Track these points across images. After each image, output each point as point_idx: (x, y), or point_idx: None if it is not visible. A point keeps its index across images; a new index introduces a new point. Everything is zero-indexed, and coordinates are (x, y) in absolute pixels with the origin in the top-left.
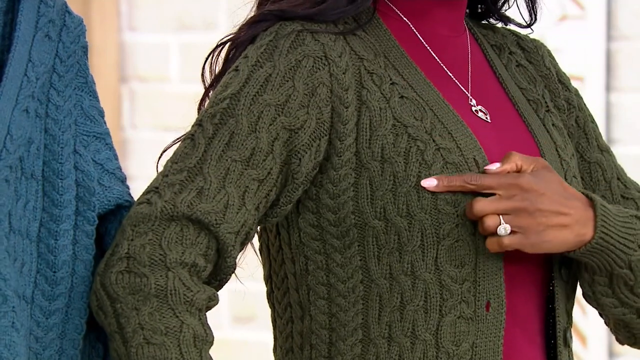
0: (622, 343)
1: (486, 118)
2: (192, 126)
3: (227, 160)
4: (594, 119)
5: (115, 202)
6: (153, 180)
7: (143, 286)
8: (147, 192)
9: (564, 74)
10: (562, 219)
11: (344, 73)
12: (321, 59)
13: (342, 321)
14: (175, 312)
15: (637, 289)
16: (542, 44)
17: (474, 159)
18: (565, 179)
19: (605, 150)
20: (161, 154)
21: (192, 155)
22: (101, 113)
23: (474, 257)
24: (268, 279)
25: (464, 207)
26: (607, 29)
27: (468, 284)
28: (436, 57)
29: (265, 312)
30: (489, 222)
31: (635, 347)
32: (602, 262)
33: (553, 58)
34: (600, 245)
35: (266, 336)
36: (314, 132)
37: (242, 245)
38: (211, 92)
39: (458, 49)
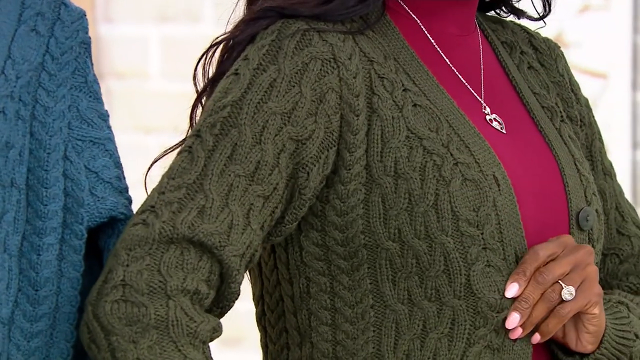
0: None
1: (501, 128)
2: (189, 137)
3: (229, 175)
4: (601, 136)
5: (107, 215)
6: (147, 198)
7: (141, 316)
8: (142, 211)
9: (576, 82)
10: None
11: (354, 77)
12: (330, 61)
13: (350, 350)
14: (177, 345)
15: None
16: (555, 44)
17: (494, 175)
18: (585, 197)
19: (608, 174)
20: (150, 166)
21: (190, 170)
22: (103, 116)
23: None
24: (259, 299)
25: (491, 230)
26: (633, 21)
27: (506, 311)
28: (447, 60)
29: (254, 333)
30: (554, 291)
31: None
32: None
33: (566, 62)
34: (604, 352)
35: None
36: (322, 142)
37: (246, 268)
38: (205, 97)
39: (469, 49)
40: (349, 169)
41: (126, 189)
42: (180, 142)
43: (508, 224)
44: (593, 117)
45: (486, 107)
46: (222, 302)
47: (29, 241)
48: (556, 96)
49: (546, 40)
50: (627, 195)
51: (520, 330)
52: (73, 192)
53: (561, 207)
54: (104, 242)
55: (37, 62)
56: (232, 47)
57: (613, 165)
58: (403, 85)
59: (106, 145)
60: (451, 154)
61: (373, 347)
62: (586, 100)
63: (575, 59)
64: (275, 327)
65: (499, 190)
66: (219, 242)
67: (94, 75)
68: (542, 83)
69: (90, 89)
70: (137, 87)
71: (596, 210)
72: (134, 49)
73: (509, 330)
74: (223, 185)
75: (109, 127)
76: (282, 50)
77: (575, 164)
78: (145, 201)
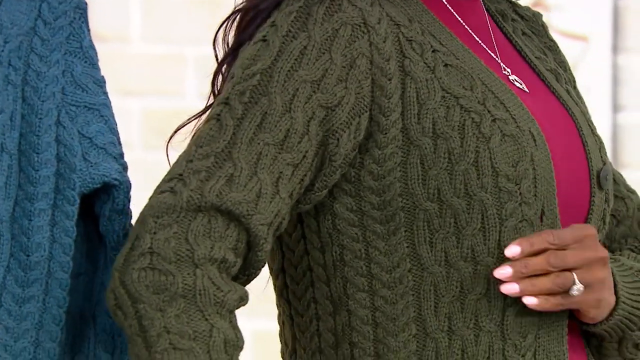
0: None
1: (523, 87)
2: (217, 105)
3: (259, 143)
4: (583, 101)
5: (100, 181)
6: (174, 166)
7: (169, 285)
8: (169, 179)
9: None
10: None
11: (384, 41)
12: (360, 26)
13: (390, 315)
14: (204, 314)
15: None
16: (538, 12)
17: (529, 130)
18: (601, 157)
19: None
20: (172, 135)
21: (219, 138)
22: (98, 82)
23: None
24: (279, 272)
25: (528, 184)
26: None
27: None
28: (463, 23)
29: None
30: (566, 279)
31: None
32: (615, 329)
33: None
34: (622, 312)
35: None
36: (353, 108)
37: (274, 236)
38: (226, 65)
39: (478, 14)
40: (386, 133)
41: (121, 155)
42: (204, 109)
43: (543, 179)
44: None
45: (505, 68)
46: (249, 269)
47: (21, 207)
48: (553, 60)
49: (528, 8)
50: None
51: (516, 288)
52: (65, 158)
53: (582, 167)
54: (100, 208)
55: (28, 27)
56: (256, 13)
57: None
58: (432, 46)
59: (101, 110)
60: (489, 111)
61: (414, 312)
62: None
63: (557, 21)
64: (302, 299)
65: (536, 145)
66: (247, 210)
67: (90, 40)
68: (538, 48)
69: (85, 54)
70: (119, 50)
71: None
72: (115, 12)
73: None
74: (252, 153)
75: (105, 93)
76: (312, 16)
77: (589, 124)
78: (172, 169)
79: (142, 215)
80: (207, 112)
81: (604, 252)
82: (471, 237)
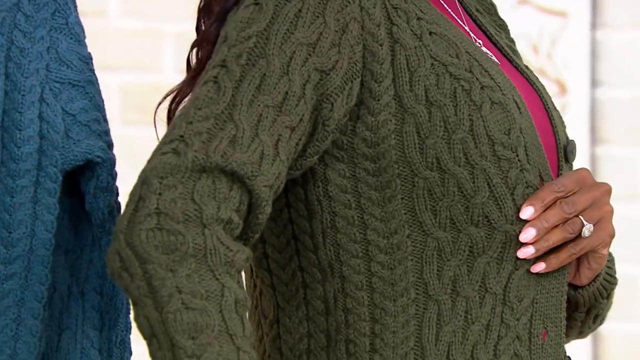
0: None
1: (494, 59)
2: (213, 67)
3: (259, 105)
4: None
5: (83, 158)
6: (173, 127)
7: (179, 245)
8: (170, 140)
9: None
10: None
11: (374, 7)
12: None
13: (388, 280)
14: (215, 273)
15: (600, 317)
16: None
17: (513, 98)
18: (564, 131)
19: None
20: (160, 102)
21: (218, 100)
22: (84, 58)
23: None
24: (257, 242)
25: (522, 152)
26: None
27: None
28: None
29: None
30: (575, 223)
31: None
32: (594, 294)
33: None
34: (603, 274)
35: None
36: (346, 73)
37: (273, 199)
38: (211, 30)
39: None
40: (378, 100)
41: (106, 132)
42: (184, 82)
43: (532, 146)
44: None
45: (476, 39)
46: (248, 233)
47: (3, 183)
48: (506, 38)
49: None
50: (586, 134)
51: (532, 250)
52: (48, 135)
53: (551, 141)
54: (85, 185)
55: (11, 3)
56: None
57: (573, 104)
58: (416, 14)
59: (86, 87)
60: (477, 79)
61: (413, 276)
62: None
63: None
64: (286, 268)
65: (521, 113)
66: (251, 172)
67: (77, 17)
68: (492, 25)
69: (71, 30)
70: (98, 25)
71: None
72: None
73: (520, 245)
74: (253, 115)
75: (92, 70)
76: None
77: (551, 100)
78: (171, 131)
79: (145, 176)
80: (201, 76)
81: (607, 185)
82: (481, 205)
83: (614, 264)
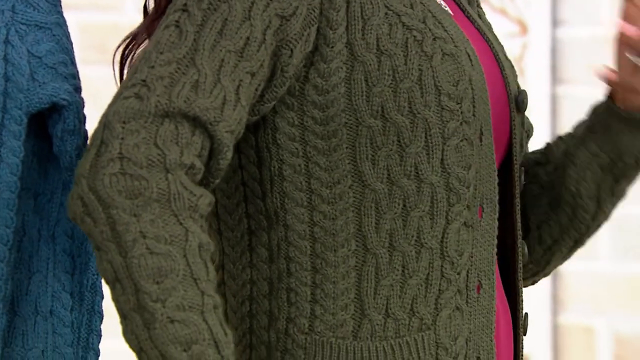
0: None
1: (448, 10)
2: (174, 12)
3: (221, 50)
4: None
5: (48, 101)
6: (135, 71)
7: (143, 190)
8: (132, 84)
9: None
10: None
11: None
12: None
13: (329, 230)
14: (178, 218)
15: (617, 193)
16: None
17: (465, 50)
18: (509, 86)
19: None
20: (120, 44)
21: (180, 44)
22: (52, 0)
23: (477, 159)
24: None
25: (468, 104)
26: None
27: (472, 188)
28: None
29: None
30: None
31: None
32: (631, 143)
33: None
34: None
35: None
36: (305, 19)
37: (233, 144)
38: None
39: None
40: (332, 47)
41: (72, 75)
42: (144, 24)
43: (480, 99)
44: None
45: None
46: (209, 178)
47: None
48: (477, 9)
49: None
50: (547, 73)
51: (633, 28)
52: (13, 77)
53: (501, 90)
54: (52, 128)
55: None
56: None
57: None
58: None
59: (53, 29)
60: (429, 29)
61: (354, 228)
62: None
63: None
64: (233, 214)
65: (472, 65)
66: (214, 117)
67: None
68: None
69: None
70: None
71: None
72: None
73: (475, 207)
74: (215, 60)
75: (59, 12)
76: None
77: (503, 51)
78: (132, 74)
79: (107, 120)
80: (162, 20)
81: None
82: (415, 155)
83: None
